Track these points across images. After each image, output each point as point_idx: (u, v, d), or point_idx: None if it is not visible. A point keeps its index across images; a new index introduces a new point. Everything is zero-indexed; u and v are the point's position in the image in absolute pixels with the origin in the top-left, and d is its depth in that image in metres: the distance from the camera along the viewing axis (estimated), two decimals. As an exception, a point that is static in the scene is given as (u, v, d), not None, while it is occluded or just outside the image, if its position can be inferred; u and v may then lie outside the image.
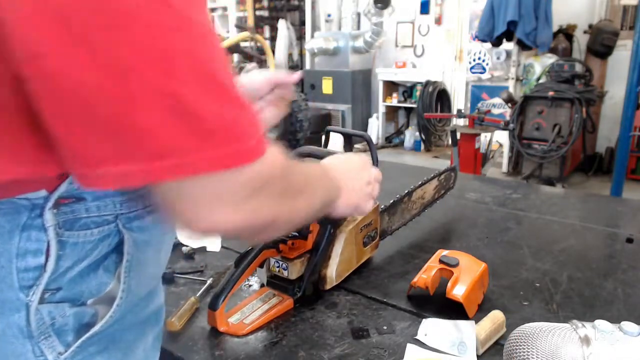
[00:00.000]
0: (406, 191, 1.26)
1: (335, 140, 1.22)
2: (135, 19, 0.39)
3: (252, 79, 1.00)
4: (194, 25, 0.43)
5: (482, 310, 0.94)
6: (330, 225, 1.00)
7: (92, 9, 0.38)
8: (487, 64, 6.35)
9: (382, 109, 7.07)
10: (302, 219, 0.63)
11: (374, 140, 4.97)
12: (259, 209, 0.52)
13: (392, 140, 7.27)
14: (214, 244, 1.25)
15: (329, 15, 7.50)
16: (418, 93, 6.53)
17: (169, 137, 0.42)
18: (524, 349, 0.65)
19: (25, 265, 0.50)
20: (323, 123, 5.94)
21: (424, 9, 6.76)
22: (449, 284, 0.94)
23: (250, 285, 1.07)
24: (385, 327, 0.91)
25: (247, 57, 2.23)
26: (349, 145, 1.18)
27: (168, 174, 0.43)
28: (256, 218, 0.52)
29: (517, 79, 5.29)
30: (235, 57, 2.32)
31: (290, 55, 7.72)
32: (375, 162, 1.11)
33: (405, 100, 7.02)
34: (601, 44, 5.26)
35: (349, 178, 0.83)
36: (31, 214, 0.49)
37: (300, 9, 7.84)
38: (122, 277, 0.57)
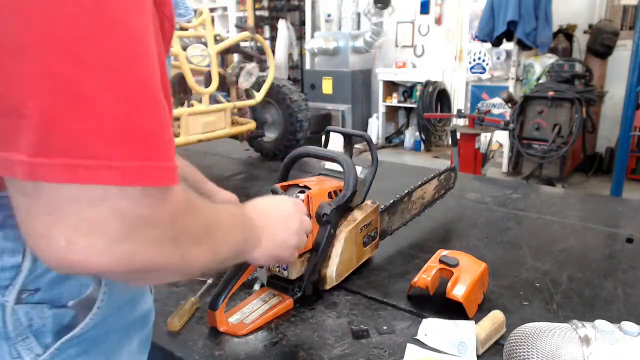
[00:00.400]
0: (406, 191, 1.26)
1: (336, 140, 1.22)
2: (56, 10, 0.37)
3: None
4: (126, 32, 0.40)
5: (482, 310, 0.94)
6: (330, 225, 1.00)
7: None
8: (487, 64, 6.35)
9: (382, 109, 7.07)
10: (199, 269, 0.56)
11: (374, 140, 4.97)
12: (139, 252, 0.44)
13: (392, 140, 7.27)
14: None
15: (329, 15, 7.50)
16: (418, 93, 6.53)
17: (63, 131, 0.39)
18: (524, 349, 0.65)
19: (1, 265, 0.49)
20: (323, 123, 5.94)
21: (424, 9, 6.76)
22: (449, 284, 0.94)
23: (250, 285, 1.07)
24: (385, 327, 0.91)
25: (247, 57, 2.23)
26: (349, 145, 1.18)
27: (53, 174, 0.39)
28: (133, 262, 0.44)
29: (517, 79, 5.29)
30: (236, 57, 2.31)
31: (290, 55, 7.72)
32: (375, 162, 1.11)
33: (405, 100, 7.01)
34: (601, 44, 5.26)
35: (274, 226, 0.76)
36: (8, 212, 0.46)
37: (300, 9, 7.84)
38: (103, 279, 0.56)
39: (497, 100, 5.92)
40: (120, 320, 0.60)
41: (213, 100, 1.95)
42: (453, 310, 0.93)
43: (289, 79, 7.43)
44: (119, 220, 0.41)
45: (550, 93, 4.53)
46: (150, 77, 0.42)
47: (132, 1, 0.41)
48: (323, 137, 1.19)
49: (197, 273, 0.57)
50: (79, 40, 0.38)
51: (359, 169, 1.10)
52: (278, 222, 0.77)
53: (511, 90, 5.16)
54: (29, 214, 0.41)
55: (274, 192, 0.97)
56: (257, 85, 2.13)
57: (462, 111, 5.42)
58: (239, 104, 2.06)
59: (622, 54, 5.09)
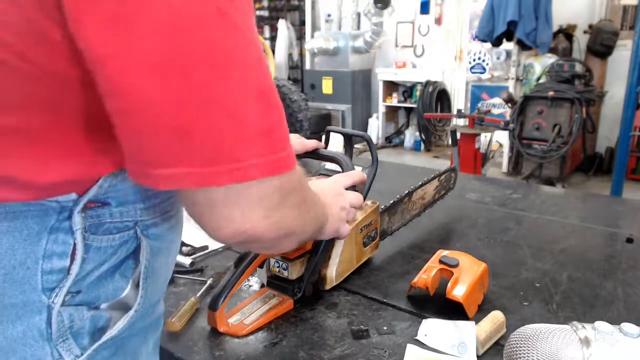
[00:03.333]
0: (406, 191, 1.25)
1: (336, 140, 1.22)
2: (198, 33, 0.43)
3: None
4: (250, 43, 0.47)
5: (482, 311, 0.94)
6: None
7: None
8: (487, 64, 6.36)
9: (382, 109, 7.08)
10: (309, 235, 0.69)
11: (374, 140, 4.98)
12: (285, 218, 0.56)
13: (392, 140, 7.27)
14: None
15: (329, 15, 7.50)
16: (418, 93, 6.54)
17: (223, 144, 0.46)
18: (524, 350, 0.65)
19: (50, 267, 0.50)
20: (323, 123, 5.94)
21: (424, 9, 6.77)
22: (449, 284, 0.94)
23: (250, 286, 1.07)
24: (385, 328, 0.91)
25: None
26: (349, 146, 1.18)
27: (219, 179, 0.47)
28: (281, 226, 0.56)
29: (517, 79, 5.30)
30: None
31: (290, 55, 7.72)
32: (375, 162, 1.11)
33: (405, 100, 7.02)
34: (601, 44, 5.27)
35: (330, 203, 0.86)
36: (59, 217, 0.50)
37: (300, 9, 7.85)
38: (141, 283, 0.57)
39: (497, 100, 5.93)
40: (143, 322, 0.61)
41: (213, 100, 1.95)
42: (453, 310, 0.93)
43: (289, 79, 7.45)
44: (272, 198, 0.52)
45: (550, 93, 4.53)
46: (270, 82, 0.50)
47: (249, 14, 0.48)
48: (323, 137, 1.19)
49: (306, 240, 0.76)
50: (227, 62, 0.45)
51: (359, 169, 1.10)
52: (332, 199, 0.87)
53: (511, 90, 5.17)
54: (210, 208, 0.50)
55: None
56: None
57: (462, 111, 5.42)
58: (239, 104, 2.06)
59: (622, 54, 5.09)
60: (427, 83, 6.44)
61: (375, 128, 7.11)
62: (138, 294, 0.57)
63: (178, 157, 0.46)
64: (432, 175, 1.36)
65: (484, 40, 5.22)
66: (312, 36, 7.37)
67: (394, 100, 7.05)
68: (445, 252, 1.02)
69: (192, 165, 0.46)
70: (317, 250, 0.99)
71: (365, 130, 7.00)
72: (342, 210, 0.90)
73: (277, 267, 0.99)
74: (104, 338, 0.55)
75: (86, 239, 0.51)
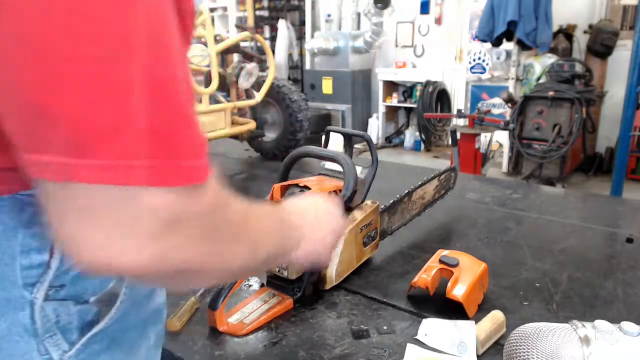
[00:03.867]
0: (406, 191, 1.25)
1: (336, 140, 1.22)
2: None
3: None
4: (148, 30, 0.39)
5: (482, 310, 0.94)
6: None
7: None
8: (487, 64, 6.35)
9: (382, 109, 7.07)
10: (238, 269, 0.54)
11: (374, 140, 4.97)
12: (174, 251, 0.43)
13: (392, 140, 7.27)
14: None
15: (329, 15, 7.50)
16: (418, 93, 6.53)
17: (83, 132, 0.37)
18: (524, 349, 0.65)
19: (29, 263, 0.49)
20: (323, 123, 5.93)
21: (424, 9, 6.76)
22: (449, 284, 0.94)
23: (250, 286, 1.07)
24: (385, 327, 0.91)
25: (247, 57, 2.23)
26: (349, 146, 1.18)
27: (77, 174, 0.38)
28: (168, 261, 0.43)
29: (517, 79, 5.29)
30: (235, 57, 2.32)
31: (290, 55, 7.72)
32: (375, 162, 1.11)
33: (405, 100, 7.01)
34: (601, 44, 5.26)
35: (313, 226, 0.72)
36: (35, 211, 0.48)
37: (300, 9, 7.84)
38: None
39: (497, 100, 5.92)
40: (138, 315, 0.60)
41: (213, 100, 1.95)
42: (453, 310, 0.93)
43: (289, 79, 7.44)
44: (152, 219, 0.40)
45: (550, 93, 4.53)
46: (173, 74, 0.42)
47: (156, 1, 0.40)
48: (323, 137, 1.19)
49: (238, 274, 0.55)
50: (103, 39, 0.37)
51: (359, 169, 1.10)
52: (316, 221, 0.74)
53: (511, 90, 5.16)
54: (60, 215, 0.40)
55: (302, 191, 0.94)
56: (257, 85, 2.13)
57: (462, 111, 5.42)
58: (239, 104, 2.06)
59: (622, 54, 5.08)
60: (427, 83, 6.44)
61: (375, 128, 7.11)
62: (122, 284, 0.56)
63: (40, 141, 0.38)
64: (432, 175, 1.36)
65: (484, 40, 5.21)
66: (312, 36, 7.37)
67: (394, 100, 7.05)
68: (445, 252, 1.02)
69: (53, 153, 0.38)
70: (317, 250, 0.99)
71: (365, 130, 7.00)
72: (331, 234, 0.76)
73: (277, 267, 0.99)
74: (93, 331, 0.54)
75: None
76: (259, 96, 2.09)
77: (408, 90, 6.98)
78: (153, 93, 0.39)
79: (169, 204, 0.41)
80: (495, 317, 0.88)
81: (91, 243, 0.40)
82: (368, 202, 1.12)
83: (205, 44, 1.91)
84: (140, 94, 0.39)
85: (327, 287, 1.03)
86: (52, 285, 0.51)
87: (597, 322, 0.64)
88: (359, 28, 7.18)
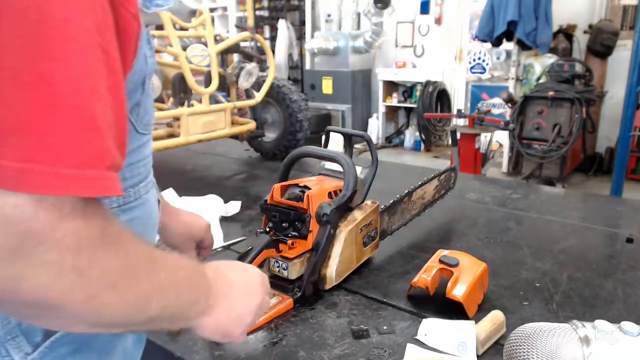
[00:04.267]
0: (406, 191, 1.25)
1: (336, 140, 1.22)
2: None
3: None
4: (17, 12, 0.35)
5: (482, 310, 0.94)
6: (330, 225, 1.00)
7: None
8: (487, 64, 6.35)
9: (382, 109, 7.07)
10: (113, 320, 0.45)
11: (374, 140, 4.97)
12: (29, 278, 0.36)
13: (392, 140, 7.27)
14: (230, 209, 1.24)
15: (329, 15, 7.50)
16: (418, 93, 6.53)
17: None
18: (524, 349, 0.65)
19: None
20: (323, 123, 5.93)
21: (424, 9, 6.76)
22: (449, 284, 0.94)
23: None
24: (385, 327, 0.91)
25: (247, 57, 2.23)
26: (349, 146, 1.18)
27: None
28: (20, 289, 0.37)
29: (517, 79, 5.29)
30: (235, 57, 2.32)
31: (290, 55, 7.72)
32: (375, 162, 1.11)
33: (405, 100, 7.01)
34: (601, 44, 5.26)
35: (234, 297, 0.62)
36: None
37: (300, 9, 7.84)
38: None
39: (497, 100, 5.92)
40: None
41: (213, 100, 1.95)
42: (453, 310, 0.93)
43: (289, 79, 7.44)
44: (2, 232, 0.34)
45: (550, 93, 4.53)
46: (56, 71, 0.37)
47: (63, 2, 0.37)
48: (323, 137, 1.19)
49: (114, 326, 0.46)
50: None
51: (359, 169, 1.10)
52: (239, 293, 0.64)
53: (511, 90, 5.16)
54: None
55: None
56: (257, 85, 2.14)
57: (462, 111, 5.43)
58: (239, 104, 2.06)
59: (622, 54, 5.08)
60: (427, 83, 6.44)
61: (375, 128, 7.11)
62: None
63: None
64: (432, 175, 1.36)
65: (484, 40, 5.21)
66: (312, 36, 7.37)
67: (394, 100, 7.04)
68: (445, 252, 1.02)
69: None
70: (317, 250, 0.99)
71: (365, 130, 7.00)
72: (251, 313, 0.65)
73: (277, 267, 0.99)
74: (56, 334, 0.53)
75: None
76: (259, 96, 2.09)
77: (408, 90, 6.98)
78: (41, 94, 0.36)
79: (29, 217, 0.35)
80: (495, 317, 0.88)
81: None
82: (368, 202, 1.12)
83: (205, 44, 1.91)
84: (28, 93, 0.35)
85: (327, 287, 1.03)
86: None
87: (597, 322, 0.64)
88: (359, 28, 7.17)
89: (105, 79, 0.41)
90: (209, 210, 1.37)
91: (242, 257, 0.94)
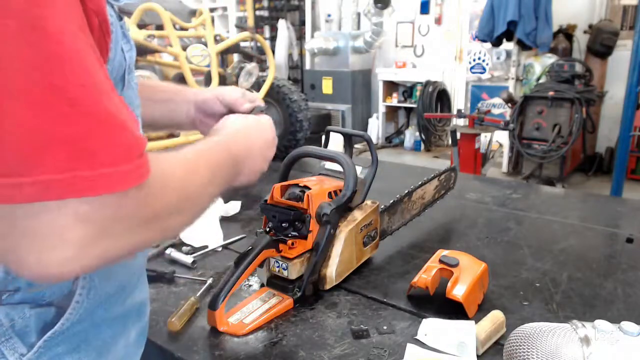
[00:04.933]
0: (406, 191, 1.25)
1: (336, 140, 1.22)
2: None
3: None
4: (38, 36, 0.37)
5: (482, 310, 0.94)
6: (330, 225, 1.00)
7: None
8: (487, 64, 6.36)
9: (382, 109, 7.08)
10: (182, 228, 0.57)
11: (374, 140, 4.98)
12: (112, 249, 0.43)
13: (392, 140, 7.27)
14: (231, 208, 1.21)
15: (329, 15, 7.50)
16: (418, 93, 6.53)
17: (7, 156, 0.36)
18: (524, 349, 0.65)
19: None
20: (323, 123, 5.93)
21: (424, 9, 6.76)
22: (449, 284, 0.94)
23: (250, 285, 1.07)
24: (385, 327, 0.91)
25: (247, 57, 2.23)
26: (349, 145, 1.18)
27: (4, 197, 0.37)
28: (108, 258, 0.44)
29: (517, 79, 5.29)
30: (235, 57, 2.32)
31: (290, 55, 7.72)
32: (375, 162, 1.11)
33: (405, 100, 7.02)
34: (601, 44, 5.26)
35: (252, 144, 0.75)
36: None
37: (300, 9, 7.84)
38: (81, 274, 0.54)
39: (497, 100, 5.93)
40: (109, 312, 0.59)
41: (213, 100, 1.95)
42: (453, 310, 0.93)
43: (289, 79, 7.44)
44: (80, 229, 0.40)
45: (550, 93, 4.53)
46: (67, 80, 0.39)
47: (50, 4, 0.38)
48: (323, 137, 1.19)
49: (178, 233, 0.60)
50: None
51: (359, 169, 1.10)
52: (252, 140, 0.76)
53: (511, 90, 5.16)
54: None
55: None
56: (257, 85, 2.14)
57: (462, 111, 5.43)
58: (239, 104, 2.06)
59: (622, 54, 5.08)
60: (427, 83, 6.44)
61: (375, 128, 7.11)
62: (78, 285, 0.55)
63: None
64: (432, 175, 1.36)
65: (484, 40, 5.22)
66: (312, 36, 7.37)
67: (394, 100, 7.05)
68: (445, 252, 1.02)
69: None
70: (317, 250, 0.99)
71: (365, 130, 7.00)
72: (267, 149, 0.79)
73: (277, 266, 0.99)
74: (49, 333, 0.53)
75: None
76: (259, 96, 2.09)
77: (408, 90, 6.98)
78: (59, 105, 0.38)
79: (93, 213, 0.40)
80: (495, 317, 0.88)
81: (28, 260, 0.39)
82: (368, 202, 1.12)
83: (205, 44, 1.92)
84: (47, 108, 0.38)
85: (327, 287, 1.03)
86: (4, 290, 0.50)
87: (597, 322, 0.64)
88: (359, 28, 7.18)
89: (104, 76, 0.42)
90: (209, 210, 1.37)
91: (242, 257, 0.94)
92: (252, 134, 0.77)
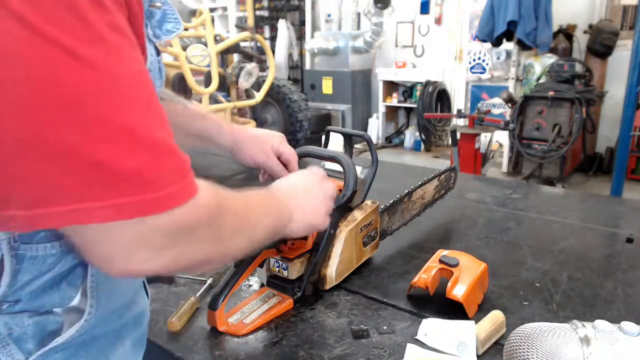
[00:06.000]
0: (406, 191, 1.25)
1: (336, 140, 1.22)
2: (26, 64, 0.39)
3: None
4: (98, 71, 0.42)
5: (482, 310, 0.94)
6: (330, 225, 1.00)
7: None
8: (487, 64, 6.36)
9: (382, 109, 7.08)
10: (241, 253, 0.64)
11: (374, 140, 4.98)
12: (183, 254, 0.52)
13: (392, 140, 7.27)
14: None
15: (329, 15, 7.50)
16: (418, 93, 6.53)
17: (47, 184, 0.42)
18: (524, 349, 0.65)
19: None
20: (323, 123, 5.93)
21: (424, 9, 6.76)
22: (449, 284, 0.94)
23: (250, 285, 1.07)
24: (385, 327, 0.91)
25: (247, 57, 2.23)
26: (349, 145, 1.18)
27: (55, 221, 0.43)
28: (179, 262, 0.52)
29: (517, 79, 5.29)
30: (235, 57, 2.32)
31: (290, 55, 7.72)
32: (375, 162, 1.11)
33: (405, 100, 7.02)
34: (601, 44, 5.26)
35: (302, 199, 0.83)
36: None
37: (300, 9, 7.84)
38: (89, 292, 0.56)
39: (497, 100, 5.93)
40: (108, 326, 0.60)
41: (213, 100, 1.96)
42: (453, 310, 0.93)
43: (289, 79, 7.44)
44: (157, 237, 0.48)
45: (550, 93, 4.53)
46: (138, 120, 0.45)
47: (107, 49, 0.43)
48: (323, 137, 1.19)
49: (242, 256, 0.67)
50: (57, 100, 0.41)
51: (359, 169, 1.10)
52: (304, 194, 0.84)
53: (511, 90, 5.16)
54: (88, 247, 0.48)
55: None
56: (257, 85, 2.14)
57: (462, 111, 5.43)
58: (239, 104, 2.06)
59: (622, 54, 5.09)
60: (427, 83, 6.44)
61: (375, 128, 7.11)
62: (87, 303, 0.56)
63: (3, 198, 0.42)
64: (432, 175, 1.35)
65: (484, 40, 5.22)
66: (312, 36, 7.37)
67: (394, 100, 7.05)
68: (445, 252, 1.02)
69: (16, 207, 0.42)
70: (317, 250, 0.99)
71: (365, 130, 7.00)
72: (321, 202, 0.86)
73: (277, 266, 0.99)
74: (52, 344, 0.54)
75: (16, 248, 0.50)
76: (259, 96, 2.10)
77: (408, 90, 6.98)
78: (124, 143, 0.44)
79: (165, 224, 0.48)
80: (495, 317, 0.88)
81: (118, 262, 0.48)
82: (368, 202, 1.12)
83: (205, 44, 1.92)
84: (115, 146, 0.43)
85: (327, 287, 1.03)
86: (5, 300, 0.51)
87: (597, 322, 0.64)
88: (359, 28, 7.18)
89: (157, 105, 0.49)
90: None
91: (242, 257, 0.94)
92: (299, 189, 0.84)
